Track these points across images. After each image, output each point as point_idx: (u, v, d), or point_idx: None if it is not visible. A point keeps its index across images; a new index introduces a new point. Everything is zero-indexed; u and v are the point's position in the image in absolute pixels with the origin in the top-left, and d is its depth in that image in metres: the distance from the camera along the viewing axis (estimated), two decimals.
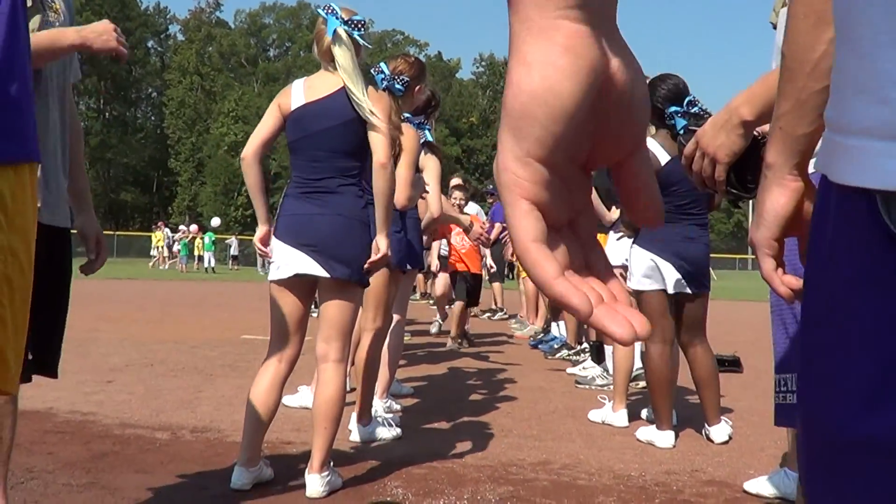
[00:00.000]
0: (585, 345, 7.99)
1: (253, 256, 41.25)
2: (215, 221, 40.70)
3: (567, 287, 0.52)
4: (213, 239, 37.25)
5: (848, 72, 0.57)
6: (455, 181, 9.79)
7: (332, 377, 3.50)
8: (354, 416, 4.48)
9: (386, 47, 70.83)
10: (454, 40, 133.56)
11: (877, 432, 0.55)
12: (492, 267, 12.24)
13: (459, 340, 9.55)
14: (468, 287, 9.90)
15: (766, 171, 1.13)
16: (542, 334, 10.10)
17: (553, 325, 9.84)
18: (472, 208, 10.71)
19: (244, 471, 3.46)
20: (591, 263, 0.58)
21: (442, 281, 10.47)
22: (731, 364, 7.80)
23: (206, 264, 36.23)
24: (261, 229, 3.71)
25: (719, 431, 4.72)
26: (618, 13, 0.55)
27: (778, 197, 1.10)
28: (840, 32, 0.58)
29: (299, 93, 3.62)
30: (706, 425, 4.79)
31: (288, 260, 3.47)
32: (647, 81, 4.88)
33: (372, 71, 4.42)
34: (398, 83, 4.43)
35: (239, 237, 42.98)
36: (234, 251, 41.14)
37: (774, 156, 1.11)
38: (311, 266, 3.43)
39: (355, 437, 4.43)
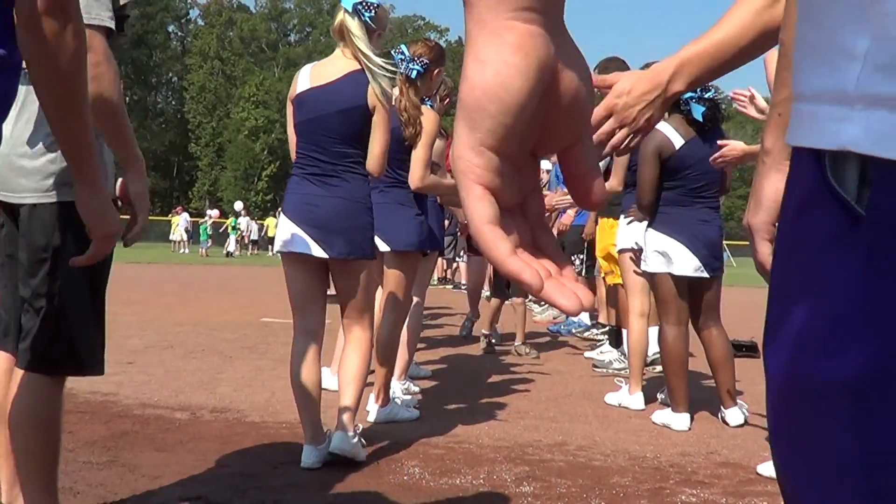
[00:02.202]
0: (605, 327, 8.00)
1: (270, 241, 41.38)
2: (238, 205, 40.82)
3: (519, 264, 0.57)
4: (234, 224, 37.47)
5: (807, 44, 0.59)
6: None
7: (355, 339, 3.68)
8: (372, 397, 4.52)
9: (406, 32, 70.57)
10: None
11: (829, 377, 0.57)
12: None
13: (490, 339, 7.71)
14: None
15: (763, 156, 1.15)
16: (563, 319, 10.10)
17: None
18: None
19: (312, 448, 3.53)
20: (539, 240, 0.62)
21: (475, 267, 8.56)
22: (749, 349, 7.79)
23: (227, 248, 36.32)
24: None
25: (734, 414, 4.72)
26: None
27: (776, 182, 1.12)
28: (802, 8, 0.60)
29: (305, 78, 3.73)
30: (721, 408, 4.80)
31: (290, 236, 3.57)
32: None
33: (392, 52, 4.44)
34: (417, 65, 4.45)
35: (258, 222, 43.07)
36: (253, 236, 41.20)
37: (772, 142, 1.13)
38: (310, 246, 3.52)
39: (373, 417, 4.47)
